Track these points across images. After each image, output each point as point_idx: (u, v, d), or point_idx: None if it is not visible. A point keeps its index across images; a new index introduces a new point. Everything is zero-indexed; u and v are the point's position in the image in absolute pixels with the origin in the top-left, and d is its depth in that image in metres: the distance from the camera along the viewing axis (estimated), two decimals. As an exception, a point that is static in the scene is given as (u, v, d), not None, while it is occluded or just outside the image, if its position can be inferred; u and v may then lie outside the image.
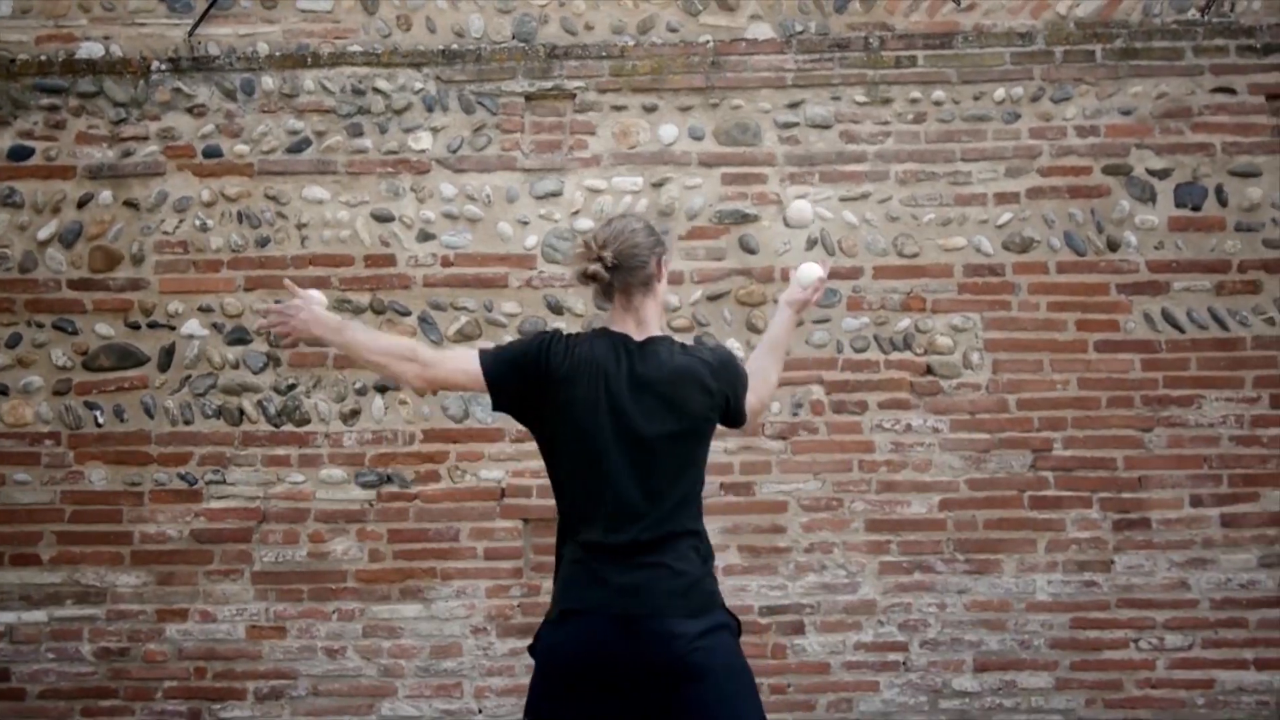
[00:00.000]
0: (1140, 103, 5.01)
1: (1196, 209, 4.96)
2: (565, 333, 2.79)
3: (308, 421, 4.97)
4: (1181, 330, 4.91)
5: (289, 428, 4.97)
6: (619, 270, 2.70)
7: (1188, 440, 4.87)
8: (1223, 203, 4.96)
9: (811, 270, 3.11)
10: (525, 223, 5.03)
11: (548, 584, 4.86)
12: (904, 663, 4.84)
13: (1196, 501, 4.86)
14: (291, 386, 4.99)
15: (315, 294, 2.89)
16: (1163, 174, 4.97)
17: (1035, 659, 4.83)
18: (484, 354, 2.74)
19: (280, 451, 4.96)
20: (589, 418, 2.65)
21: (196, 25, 5.11)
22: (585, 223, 5.01)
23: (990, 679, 4.83)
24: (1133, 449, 4.88)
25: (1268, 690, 4.79)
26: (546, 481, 4.88)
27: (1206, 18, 5.03)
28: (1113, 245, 4.95)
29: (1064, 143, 5.00)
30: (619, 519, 2.64)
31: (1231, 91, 5.00)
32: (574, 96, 5.07)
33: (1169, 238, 4.96)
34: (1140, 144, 4.99)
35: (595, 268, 2.69)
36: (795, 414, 4.91)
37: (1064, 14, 5.09)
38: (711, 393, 2.73)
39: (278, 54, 5.10)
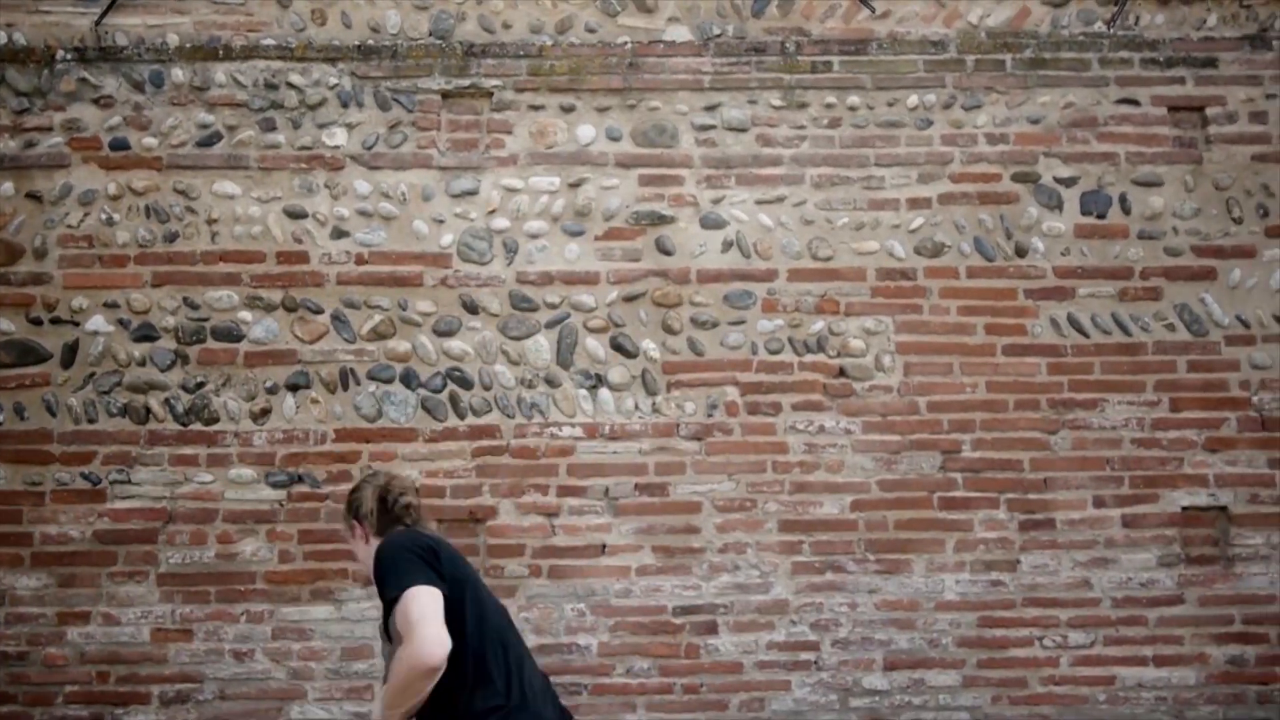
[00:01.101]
0: (1048, 112, 5.20)
1: (1101, 217, 5.16)
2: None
3: (216, 420, 4.97)
4: (1086, 335, 5.11)
5: (197, 426, 4.96)
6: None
7: (1091, 442, 5.06)
8: (1126, 211, 5.17)
9: None
10: (441, 221, 5.08)
11: (461, 584, 4.91)
12: (815, 662, 4.97)
13: (1099, 502, 5.05)
14: (200, 385, 4.98)
15: None
16: (1069, 182, 5.17)
17: (943, 657, 4.98)
18: (427, 590, 2.96)
19: (188, 451, 4.95)
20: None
21: (104, 14, 5.08)
22: (502, 222, 5.07)
23: (899, 677, 4.97)
24: (1038, 451, 5.06)
25: (1165, 686, 5.00)
26: (460, 481, 5.00)
27: (1112, 30, 5.24)
28: (1021, 251, 5.13)
29: (975, 149, 5.17)
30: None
31: (1135, 103, 5.21)
32: (491, 95, 5.13)
33: (1075, 244, 5.15)
34: (1048, 152, 5.18)
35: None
36: (710, 415, 5.02)
37: (975, 23, 5.26)
38: None
39: (188, 46, 5.09)
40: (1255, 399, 5.10)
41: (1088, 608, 5.01)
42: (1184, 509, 5.05)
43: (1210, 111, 5.22)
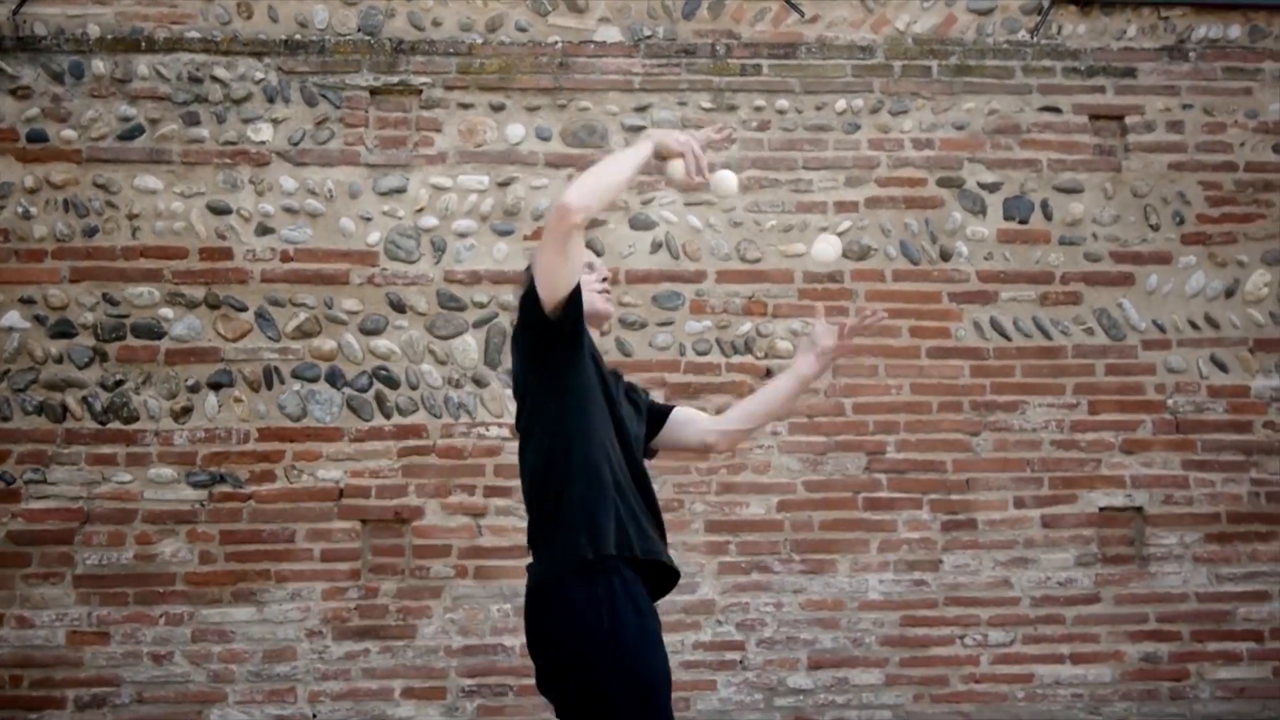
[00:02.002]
0: (973, 118, 5.33)
1: (1024, 222, 5.31)
2: None
3: (136, 419, 4.93)
4: (1008, 338, 5.25)
5: (116, 425, 4.93)
6: None
7: (1012, 444, 5.20)
8: (1048, 217, 5.31)
9: (727, 181, 2.92)
10: (368, 219, 5.09)
11: (386, 585, 4.96)
12: (741, 661, 5.05)
13: (1019, 503, 5.19)
14: (119, 383, 4.94)
15: None
16: (993, 187, 5.30)
17: (867, 656, 5.09)
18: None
19: (106, 450, 4.91)
20: None
21: (22, 3, 5.03)
22: (430, 220, 5.09)
23: (824, 676, 5.07)
24: (961, 452, 5.18)
25: (1082, 684, 5.15)
26: (386, 481, 5.00)
27: (1035, 39, 5.39)
28: (945, 255, 5.26)
29: (901, 154, 5.29)
30: None
31: (1057, 111, 5.36)
32: (420, 92, 5.15)
33: (998, 249, 5.28)
34: (972, 158, 5.32)
35: None
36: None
37: (903, 30, 5.38)
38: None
39: (109, 37, 5.05)
40: (1170, 402, 5.27)
41: (1007, 607, 5.14)
42: (1101, 509, 5.21)
43: (1129, 120, 5.39)
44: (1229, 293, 5.34)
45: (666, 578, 2.81)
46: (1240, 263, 5.35)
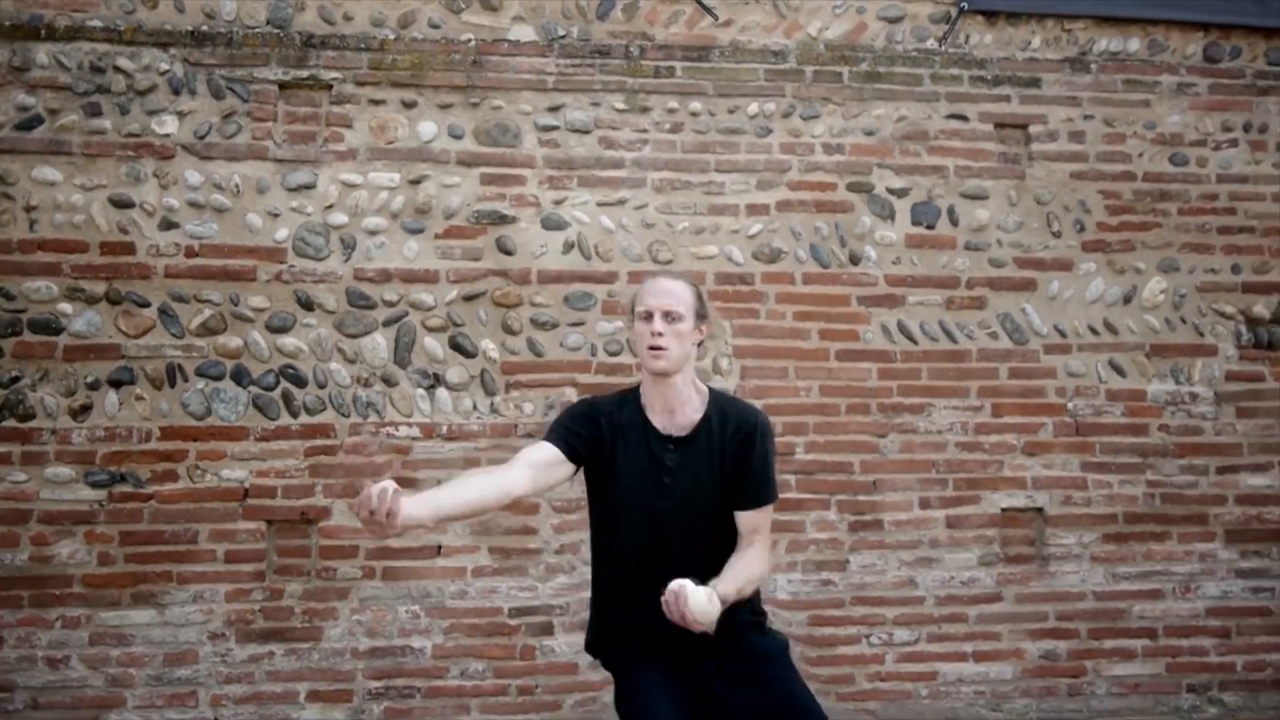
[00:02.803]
0: (882, 124, 5.44)
1: (931, 227, 5.43)
2: None
3: (32, 417, 4.84)
4: (915, 342, 5.36)
5: (11, 423, 4.83)
6: None
7: (918, 445, 5.32)
8: (954, 222, 5.44)
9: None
10: (276, 215, 5.04)
11: (292, 587, 4.92)
12: (650, 661, 5.08)
13: (925, 504, 5.31)
14: (15, 379, 4.84)
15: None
16: (901, 193, 5.42)
17: (774, 655, 5.15)
18: None
19: (0, 448, 4.80)
20: None
21: (-85, -13, 4.90)
22: (339, 217, 5.07)
23: (732, 676, 5.12)
24: (868, 454, 5.29)
25: (984, 681, 5.28)
26: (292, 481, 4.97)
27: (943, 48, 5.52)
28: (854, 259, 5.36)
29: (812, 159, 5.38)
30: None
31: (964, 118, 5.50)
32: (330, 88, 5.12)
33: (905, 254, 5.40)
34: (881, 164, 5.43)
35: None
36: (548, 416, 5.10)
37: (815, 35, 5.48)
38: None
39: (7, 24, 4.95)
40: (1070, 405, 5.43)
41: (912, 606, 5.26)
42: (1003, 510, 5.35)
43: (1033, 129, 5.54)
44: (1127, 299, 5.52)
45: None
46: (1138, 270, 5.53)
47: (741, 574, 2.90)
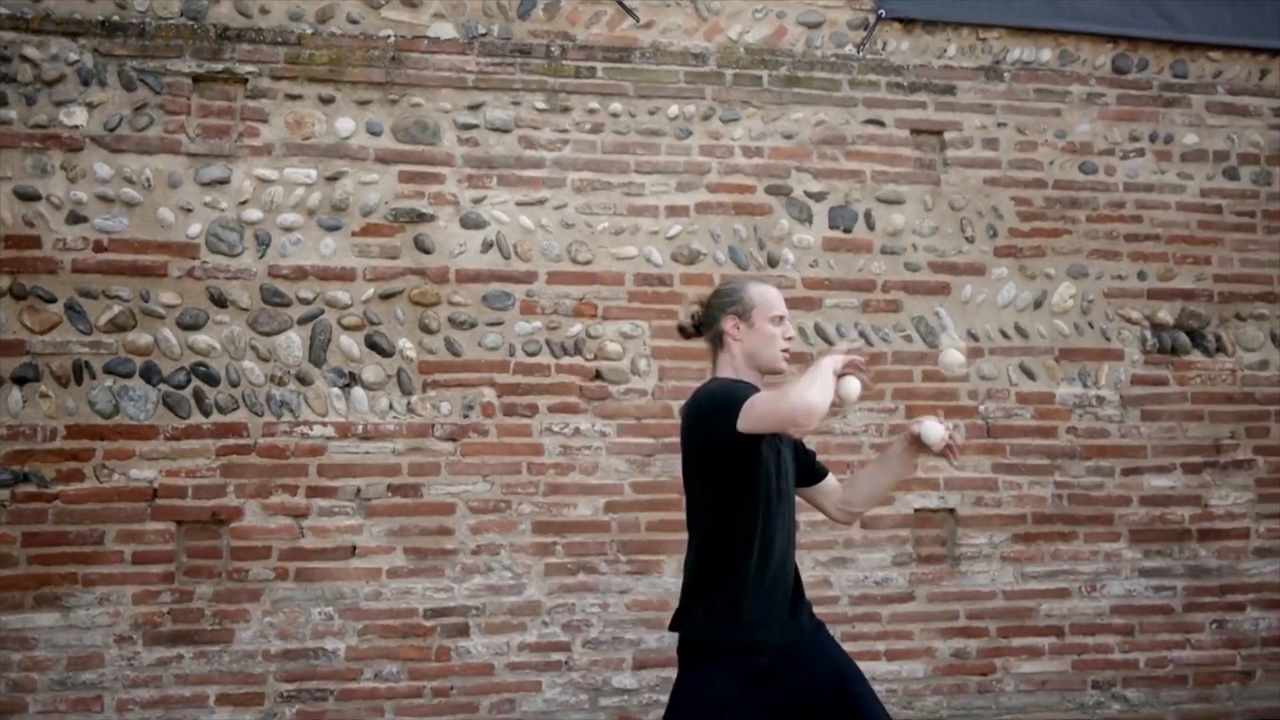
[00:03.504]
0: (801, 128, 5.52)
1: (848, 231, 5.52)
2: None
3: (-68, 414, 4.73)
4: (831, 344, 5.45)
5: (-91, 420, 4.71)
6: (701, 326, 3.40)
7: (834, 447, 5.40)
8: (870, 226, 5.54)
9: (934, 431, 3.37)
10: (189, 210, 4.98)
11: (202, 588, 4.87)
12: (566, 662, 5.12)
13: (840, 504, 5.37)
14: (-87, 375, 4.72)
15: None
16: (819, 197, 5.50)
17: (690, 655, 5.20)
18: None
19: (-103, 446, 4.70)
20: None
21: None
22: (254, 213, 5.02)
23: (649, 676, 5.18)
24: (785, 455, 5.35)
25: (896, 679, 5.38)
26: (203, 481, 4.91)
27: (861, 54, 5.61)
28: (772, 261, 5.43)
29: (731, 161, 5.44)
30: None
31: (881, 124, 5.60)
32: (246, 81, 5.07)
33: (823, 257, 5.48)
34: (800, 167, 5.51)
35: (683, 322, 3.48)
36: (466, 416, 5.10)
37: (735, 38, 5.54)
38: (686, 429, 3.27)
39: (-92, 10, 4.82)
40: (982, 408, 5.55)
41: (827, 605, 5.34)
42: (916, 510, 5.46)
43: (948, 136, 5.66)
44: (1037, 304, 5.66)
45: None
46: (1048, 275, 5.68)
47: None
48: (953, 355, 3.43)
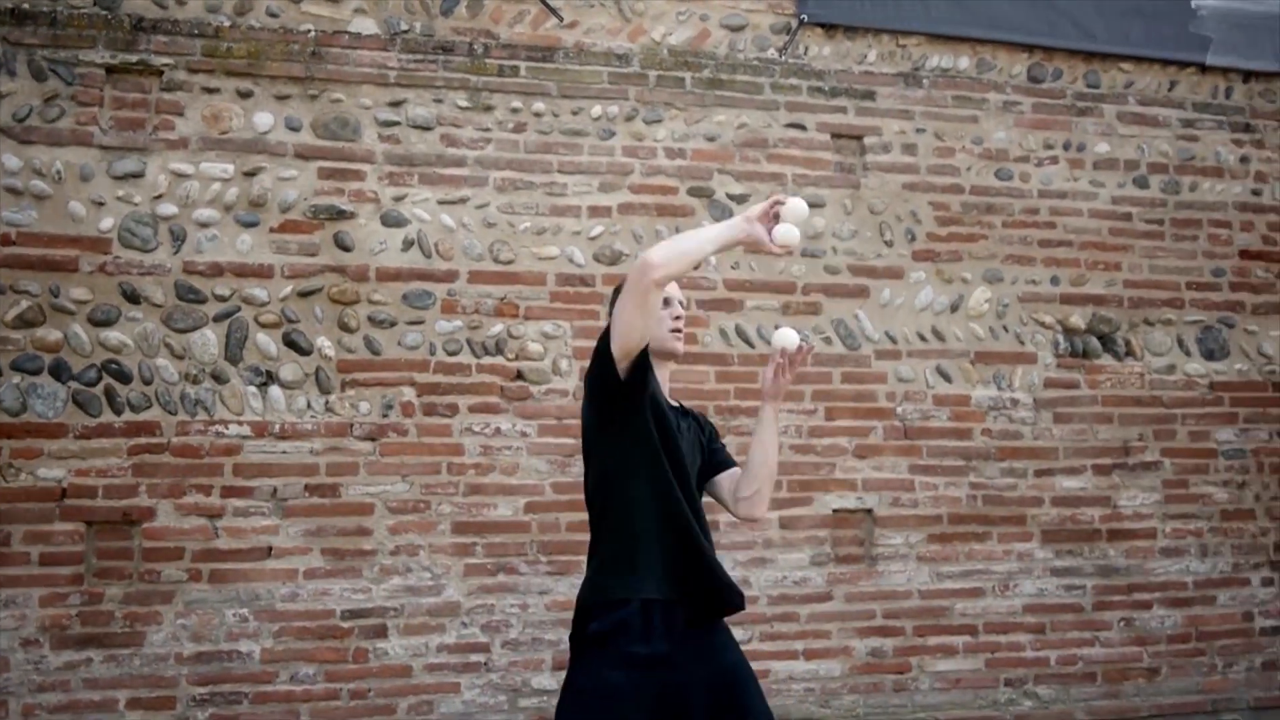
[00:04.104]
0: (723, 131, 5.58)
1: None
2: None
3: None
4: (752, 345, 5.51)
5: None
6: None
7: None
8: (791, 229, 5.60)
9: (787, 337, 3.29)
10: (101, 203, 4.90)
11: (112, 590, 4.79)
12: (485, 663, 5.11)
13: (759, 505, 5.43)
14: None
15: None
16: (741, 199, 5.56)
17: (610, 656, 5.22)
18: None
19: None
20: None
21: None
22: (169, 208, 4.95)
23: (568, 676, 5.17)
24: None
25: (814, 678, 5.45)
26: (114, 481, 4.83)
27: (783, 58, 5.68)
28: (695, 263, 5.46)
29: (654, 162, 5.48)
30: None
31: (802, 128, 5.67)
32: (161, 74, 5.00)
33: (744, 259, 5.54)
34: (722, 169, 5.56)
35: None
36: (385, 415, 5.08)
37: (659, 40, 5.58)
38: (584, 399, 3.19)
39: None
40: (899, 410, 5.65)
41: (747, 605, 5.37)
42: (835, 511, 5.54)
43: (868, 141, 5.75)
44: (954, 307, 5.77)
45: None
46: (964, 280, 5.79)
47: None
48: (787, 334, 3.30)
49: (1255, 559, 6.06)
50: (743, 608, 3.22)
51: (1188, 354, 6.09)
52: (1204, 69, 6.28)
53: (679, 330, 3.28)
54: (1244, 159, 6.29)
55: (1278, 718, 5.97)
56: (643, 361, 3.02)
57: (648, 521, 3.05)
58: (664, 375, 3.29)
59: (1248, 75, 6.35)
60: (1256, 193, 6.29)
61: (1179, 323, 6.09)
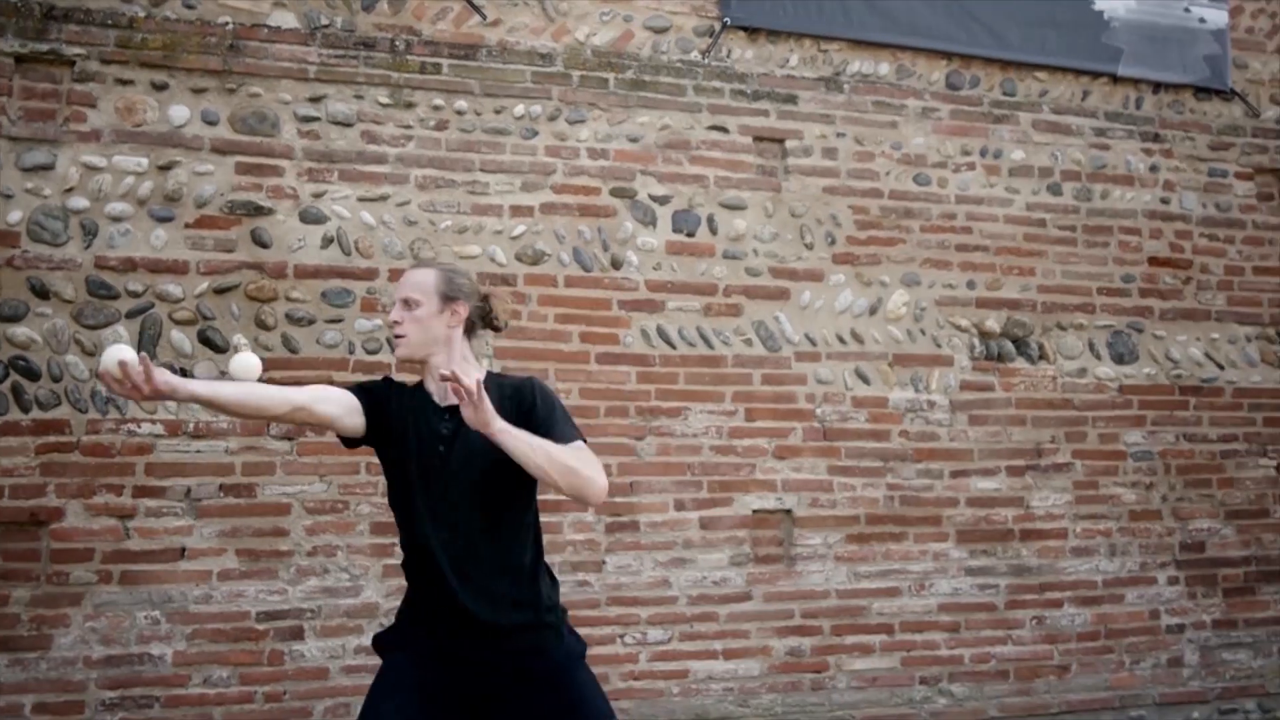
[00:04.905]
0: (646, 132, 5.61)
1: (690, 235, 5.63)
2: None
3: None
4: (673, 346, 5.55)
5: None
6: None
7: (674, 449, 5.51)
8: (713, 231, 5.67)
9: (116, 353, 2.82)
10: (9, 196, 4.81)
11: (18, 593, 4.69)
12: (403, 665, 5.08)
13: (680, 505, 5.50)
14: None
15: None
16: (663, 200, 5.60)
17: (530, 656, 5.23)
18: None
19: None
20: None
21: None
22: (80, 201, 4.87)
23: (487, 678, 5.17)
24: (626, 456, 5.44)
25: (733, 678, 5.51)
26: (21, 480, 4.73)
27: (706, 61, 5.73)
28: (616, 263, 5.51)
29: (576, 163, 5.50)
30: None
31: (725, 130, 5.73)
32: (73, 64, 4.91)
33: (666, 260, 5.59)
34: (645, 171, 5.60)
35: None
36: (303, 414, 5.02)
37: (582, 40, 5.60)
38: None
39: None
40: (818, 411, 5.73)
41: (666, 605, 5.44)
42: (754, 512, 5.60)
43: (789, 144, 5.83)
44: (872, 310, 5.87)
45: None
46: (883, 283, 5.89)
47: (538, 441, 2.94)
48: (245, 359, 3.10)
49: (1162, 558, 6.24)
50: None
51: (1098, 358, 6.25)
52: (1115, 79, 6.45)
53: (397, 336, 3.17)
54: (1153, 168, 6.47)
55: (1182, 713, 6.16)
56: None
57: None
58: (429, 375, 3.19)
59: (1157, 86, 6.54)
60: (1165, 201, 6.48)
61: (1090, 327, 6.26)
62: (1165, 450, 6.31)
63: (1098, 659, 6.09)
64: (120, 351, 2.79)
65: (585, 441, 3.09)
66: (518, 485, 3.07)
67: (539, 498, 3.21)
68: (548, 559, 3.33)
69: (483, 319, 3.28)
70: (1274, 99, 6.80)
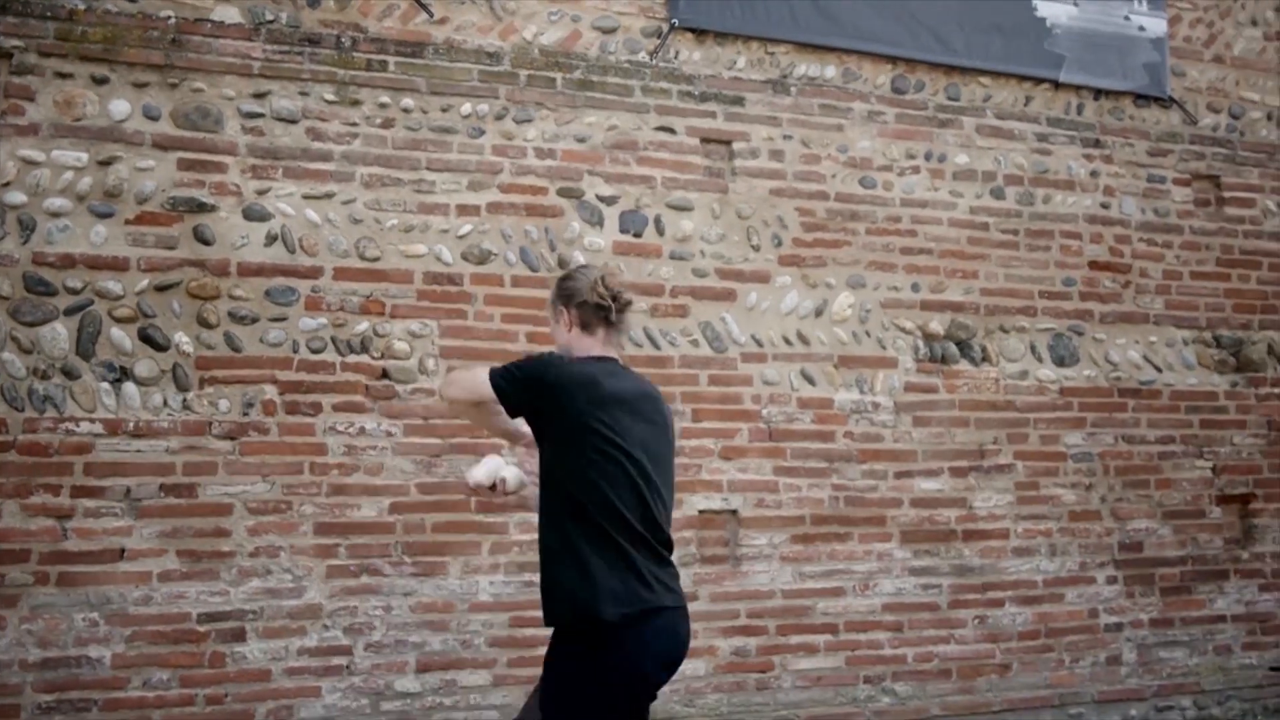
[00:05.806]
0: (594, 132, 5.63)
1: (638, 235, 5.66)
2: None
3: None
4: (620, 347, 5.54)
5: None
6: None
7: (621, 449, 5.50)
8: (660, 232, 5.70)
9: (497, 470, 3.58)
10: (-56, 190, 4.73)
11: (-49, 594, 4.60)
12: (347, 666, 5.08)
13: (626, 506, 5.49)
14: None
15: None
16: (610, 200, 5.63)
17: (475, 657, 5.26)
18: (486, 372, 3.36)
19: None
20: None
21: None
22: (17, 196, 4.81)
23: (431, 679, 5.19)
24: (573, 456, 5.43)
25: (679, 678, 5.44)
26: (-44, 479, 4.60)
27: (654, 62, 5.77)
28: (563, 263, 5.53)
29: (524, 162, 5.51)
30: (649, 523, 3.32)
31: (672, 131, 5.77)
32: (10, 56, 4.85)
33: (613, 260, 5.61)
34: (592, 171, 5.62)
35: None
36: (246, 414, 5.00)
37: (530, 40, 5.61)
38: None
39: None
40: (764, 412, 5.78)
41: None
42: (701, 512, 5.64)
43: (736, 146, 5.88)
44: (818, 312, 5.93)
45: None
46: (829, 285, 5.96)
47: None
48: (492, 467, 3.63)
49: (1100, 558, 6.35)
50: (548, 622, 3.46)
51: (1040, 360, 6.35)
52: (1057, 86, 6.57)
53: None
54: (1094, 173, 6.59)
55: (1120, 710, 6.28)
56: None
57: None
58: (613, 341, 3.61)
59: (1098, 93, 6.67)
60: (1105, 206, 6.60)
61: (1032, 330, 6.36)
62: (1104, 451, 6.42)
63: (1038, 658, 6.19)
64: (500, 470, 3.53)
65: (495, 368, 3.36)
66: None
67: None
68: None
69: (598, 309, 3.44)
70: (1211, 107, 6.96)
